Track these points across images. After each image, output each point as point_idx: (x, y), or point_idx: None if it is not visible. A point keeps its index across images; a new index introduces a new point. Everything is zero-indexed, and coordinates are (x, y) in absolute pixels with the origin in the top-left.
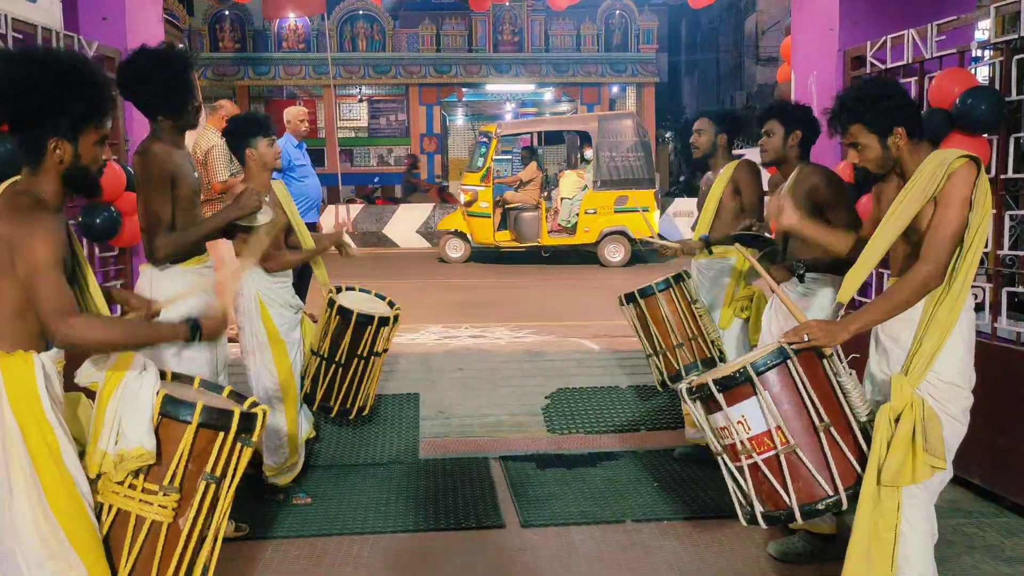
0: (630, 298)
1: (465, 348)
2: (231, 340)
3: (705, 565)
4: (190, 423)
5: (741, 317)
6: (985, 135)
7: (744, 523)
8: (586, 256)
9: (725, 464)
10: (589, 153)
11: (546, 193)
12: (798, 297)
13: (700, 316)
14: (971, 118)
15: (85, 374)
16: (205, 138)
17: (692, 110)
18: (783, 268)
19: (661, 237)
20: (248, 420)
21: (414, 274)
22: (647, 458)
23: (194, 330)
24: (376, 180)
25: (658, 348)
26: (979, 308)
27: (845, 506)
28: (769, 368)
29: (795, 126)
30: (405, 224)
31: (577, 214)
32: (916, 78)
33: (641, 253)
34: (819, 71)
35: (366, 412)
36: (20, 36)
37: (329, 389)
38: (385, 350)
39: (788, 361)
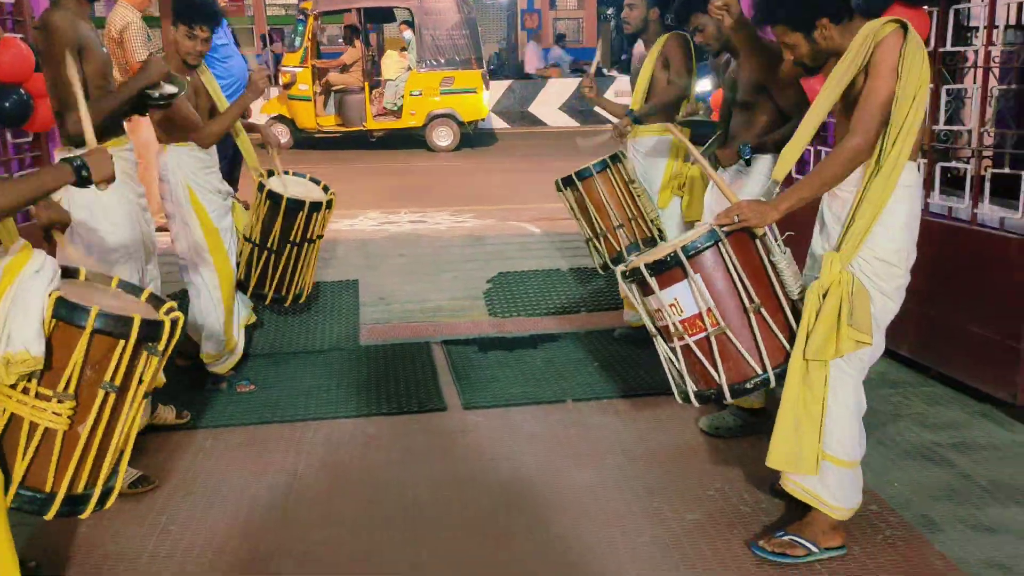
0: (567, 182)
1: (403, 233)
2: (160, 229)
3: (643, 441)
4: (84, 328)
5: (678, 195)
6: (925, 7)
7: (679, 401)
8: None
9: (660, 345)
10: (408, 34)
11: (375, 77)
12: (734, 175)
13: (638, 196)
14: None
15: None
16: (119, 15)
17: None
18: (730, 151)
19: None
20: (151, 328)
21: None
22: (588, 339)
23: (79, 169)
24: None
25: (598, 230)
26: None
27: (773, 384)
28: (699, 251)
29: None
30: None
31: (402, 96)
32: None
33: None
34: None
35: (303, 299)
36: None
37: (263, 276)
38: (320, 236)
39: (719, 243)
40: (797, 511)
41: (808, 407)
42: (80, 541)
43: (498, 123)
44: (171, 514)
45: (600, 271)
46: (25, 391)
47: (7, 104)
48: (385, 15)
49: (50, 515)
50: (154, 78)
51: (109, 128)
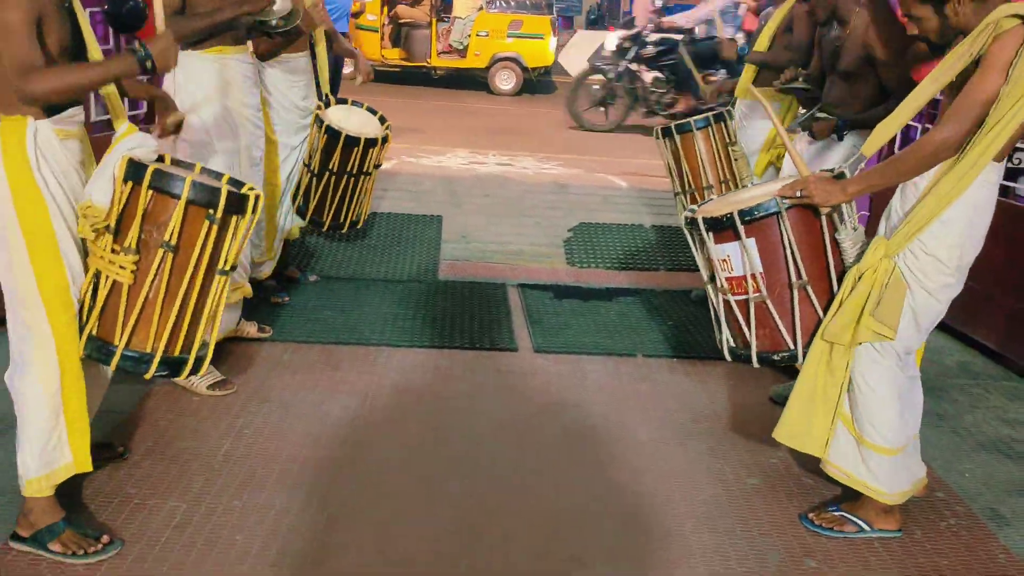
0: (666, 132)
1: (490, 175)
2: None
3: (711, 403)
4: (141, 185)
5: (777, 166)
6: None
7: (718, 348)
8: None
9: (709, 293)
10: None
11: (444, 13)
12: (822, 144)
13: (735, 159)
14: None
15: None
16: None
17: None
18: (827, 125)
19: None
20: (207, 192)
21: None
22: (664, 297)
23: (143, 59)
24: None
25: (687, 187)
26: (1021, 173)
27: (800, 361)
28: (756, 219)
29: None
30: None
31: (469, 35)
32: None
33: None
34: None
35: (359, 225)
36: None
37: (320, 204)
38: (378, 166)
39: (778, 215)
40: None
41: (826, 388)
42: (159, 434)
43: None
44: (247, 419)
45: (683, 229)
46: (105, 247)
47: (124, 10)
48: None
49: (112, 364)
50: (257, 7)
51: (222, 37)
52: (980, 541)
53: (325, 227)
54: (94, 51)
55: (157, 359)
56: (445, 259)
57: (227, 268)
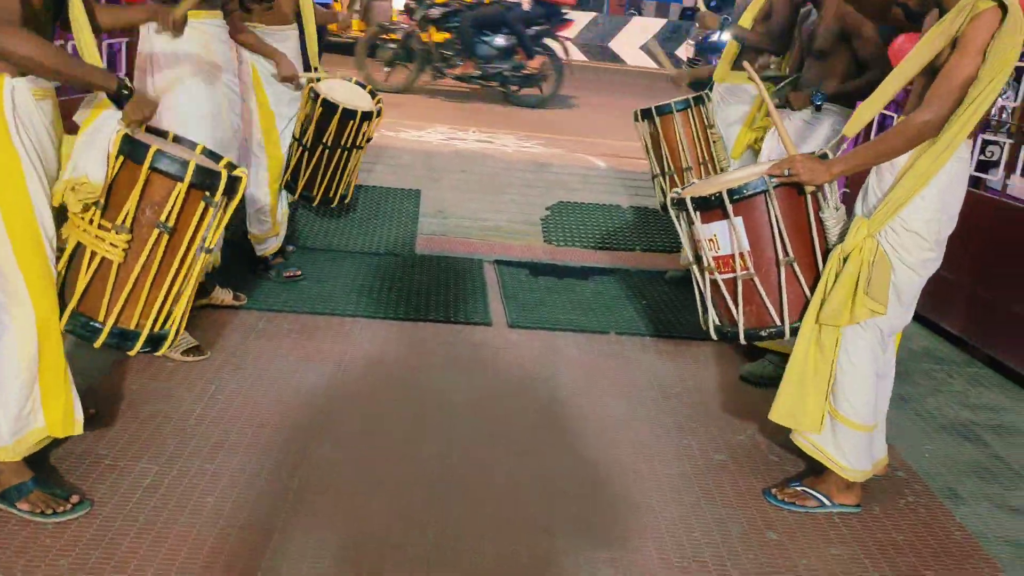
0: (646, 114)
1: (469, 151)
2: None
3: (680, 380)
4: (142, 164)
5: (755, 149)
6: None
7: (703, 328)
8: None
9: (694, 274)
10: None
11: None
12: (803, 125)
13: (714, 142)
14: None
15: (81, 113)
16: None
17: None
18: (803, 95)
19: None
20: (207, 175)
21: None
22: (638, 277)
23: (121, 89)
24: None
25: (666, 168)
26: (994, 164)
27: (787, 337)
28: (745, 197)
29: None
30: None
31: None
32: None
33: None
34: None
35: (348, 200)
36: None
37: (312, 179)
38: (369, 140)
39: (766, 193)
40: (816, 463)
41: (817, 367)
42: (133, 396)
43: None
44: (220, 384)
45: (660, 211)
46: (91, 222)
47: None
48: None
49: (99, 342)
50: None
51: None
52: (936, 518)
53: (316, 202)
54: (88, 45)
55: (143, 337)
56: (422, 233)
57: (211, 247)
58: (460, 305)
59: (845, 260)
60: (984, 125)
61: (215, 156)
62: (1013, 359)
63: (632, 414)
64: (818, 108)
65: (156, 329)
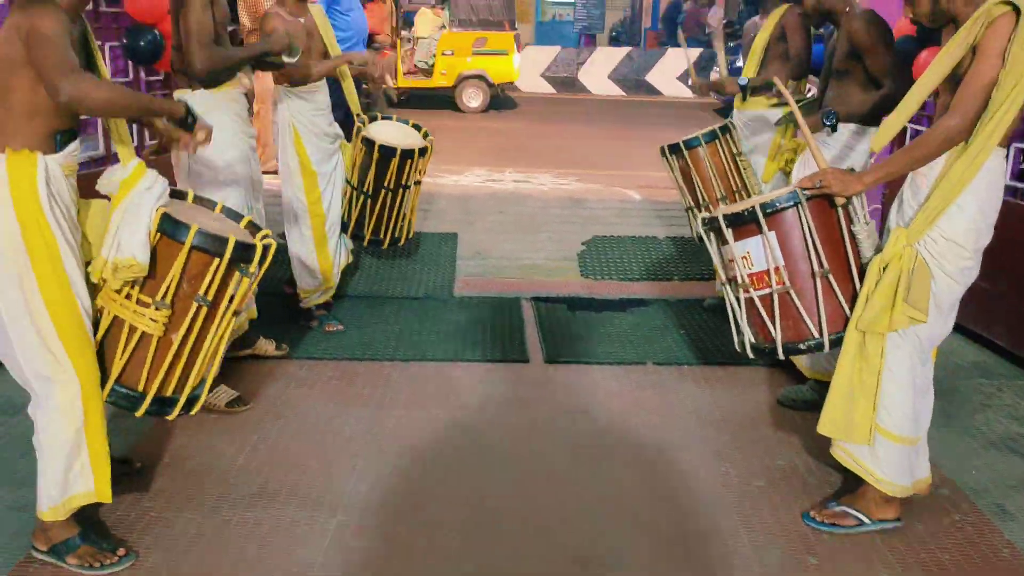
0: (674, 149)
1: (506, 192)
2: (270, 172)
3: (717, 407)
4: (184, 243)
5: (785, 171)
6: None
7: (737, 350)
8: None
9: (727, 294)
10: None
11: (404, 32)
12: (839, 149)
13: (744, 169)
14: None
15: (105, 182)
16: None
17: None
18: (815, 118)
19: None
20: (245, 250)
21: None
22: (676, 307)
23: (188, 113)
24: None
25: (701, 200)
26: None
27: (827, 350)
28: (777, 211)
29: None
30: None
31: (434, 55)
32: None
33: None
34: None
35: (402, 243)
36: None
37: (360, 219)
38: (417, 182)
39: (798, 206)
40: (853, 483)
41: (863, 377)
42: (176, 450)
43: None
44: (261, 434)
45: (697, 241)
46: (128, 296)
47: (142, 43)
48: None
49: (140, 412)
50: (276, 50)
51: (224, 74)
52: (984, 536)
53: (365, 242)
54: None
55: (182, 402)
56: (461, 275)
57: (241, 310)
58: (498, 344)
59: (885, 268)
60: (1019, 134)
61: (237, 215)
62: None
63: (670, 444)
64: (833, 129)
65: (190, 392)
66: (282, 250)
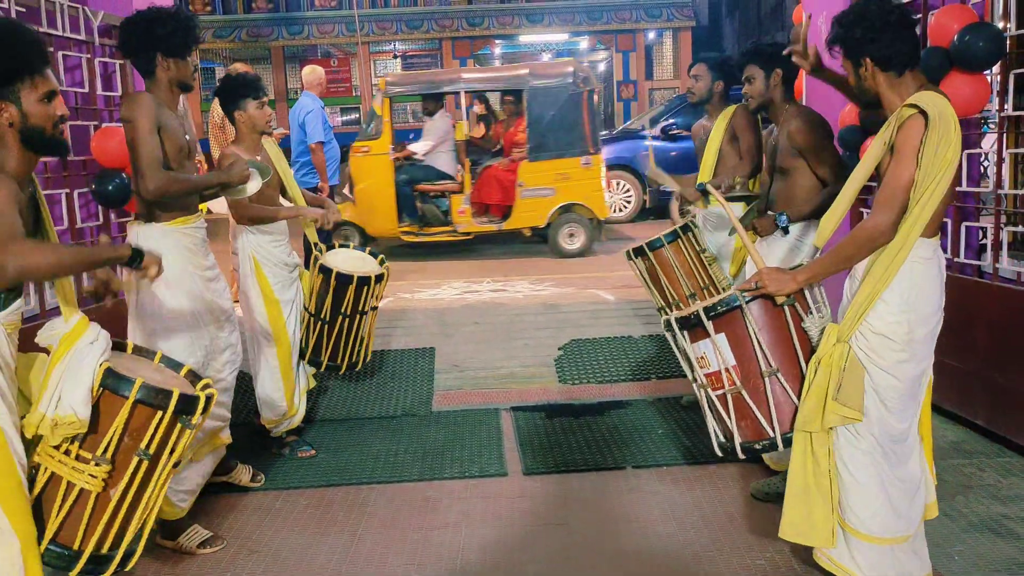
0: (639, 252)
1: (482, 302)
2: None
3: (697, 508)
4: (127, 398)
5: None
6: (985, 72)
7: (715, 449)
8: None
9: (697, 393)
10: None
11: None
12: (789, 247)
13: (710, 264)
14: (969, 55)
15: (45, 335)
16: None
17: (734, 52)
18: (768, 221)
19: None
20: (188, 402)
21: None
22: (656, 406)
23: (136, 254)
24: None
25: (671, 299)
26: (982, 249)
27: (780, 449)
28: (720, 314)
29: (774, 65)
30: None
31: None
32: (920, 15)
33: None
34: (827, 11)
35: (358, 367)
36: (23, 9)
37: (318, 344)
38: (374, 308)
39: (740, 308)
40: None
41: (817, 479)
42: None
43: None
44: (235, 571)
45: (666, 334)
46: (67, 452)
47: (110, 188)
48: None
49: (74, 573)
50: (235, 180)
51: (182, 205)
52: None
53: (322, 367)
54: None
55: (118, 559)
56: (439, 389)
57: (179, 462)
58: (475, 459)
59: (819, 365)
60: (972, 215)
61: (176, 364)
62: None
63: (647, 548)
64: (785, 231)
65: (128, 547)
66: (248, 379)
